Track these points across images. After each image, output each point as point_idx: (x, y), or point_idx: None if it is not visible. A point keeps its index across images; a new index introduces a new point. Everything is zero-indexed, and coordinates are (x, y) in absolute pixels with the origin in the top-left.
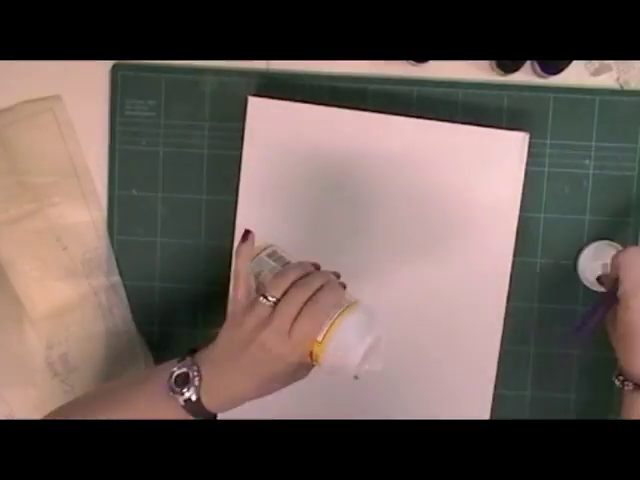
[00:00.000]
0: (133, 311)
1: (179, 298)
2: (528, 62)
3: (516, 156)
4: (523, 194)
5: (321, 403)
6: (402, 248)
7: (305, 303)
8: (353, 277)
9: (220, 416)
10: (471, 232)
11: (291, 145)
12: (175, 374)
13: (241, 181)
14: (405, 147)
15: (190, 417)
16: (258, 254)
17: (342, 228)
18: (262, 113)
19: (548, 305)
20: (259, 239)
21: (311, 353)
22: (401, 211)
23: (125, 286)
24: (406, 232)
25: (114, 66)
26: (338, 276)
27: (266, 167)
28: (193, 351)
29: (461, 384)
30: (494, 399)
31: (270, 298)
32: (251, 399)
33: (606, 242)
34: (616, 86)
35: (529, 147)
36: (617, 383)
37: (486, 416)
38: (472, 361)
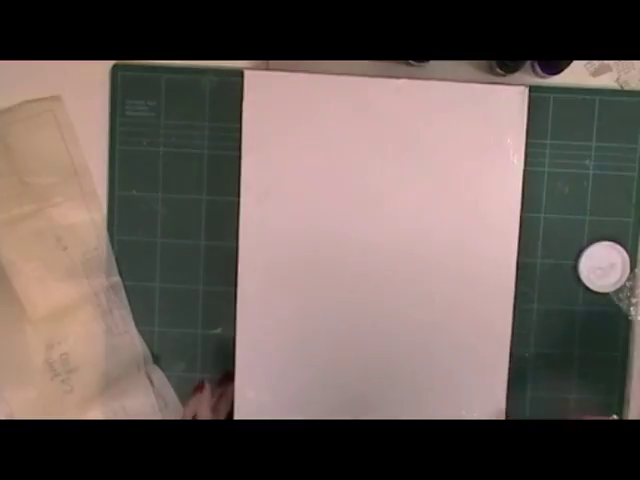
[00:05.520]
0: (133, 311)
1: (179, 298)
2: (528, 62)
3: (517, 109)
4: (523, 194)
5: (329, 403)
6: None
7: None
8: (358, 261)
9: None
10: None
11: (291, 116)
12: None
13: (242, 161)
14: (408, 108)
15: None
16: None
17: (346, 211)
18: (259, 86)
19: (548, 305)
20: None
21: None
22: (408, 195)
23: (125, 286)
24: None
25: (114, 66)
26: None
27: (267, 143)
28: None
29: (472, 387)
30: None
31: None
32: None
33: (606, 242)
34: (616, 86)
35: (529, 147)
36: None
37: (501, 416)
38: (484, 365)
